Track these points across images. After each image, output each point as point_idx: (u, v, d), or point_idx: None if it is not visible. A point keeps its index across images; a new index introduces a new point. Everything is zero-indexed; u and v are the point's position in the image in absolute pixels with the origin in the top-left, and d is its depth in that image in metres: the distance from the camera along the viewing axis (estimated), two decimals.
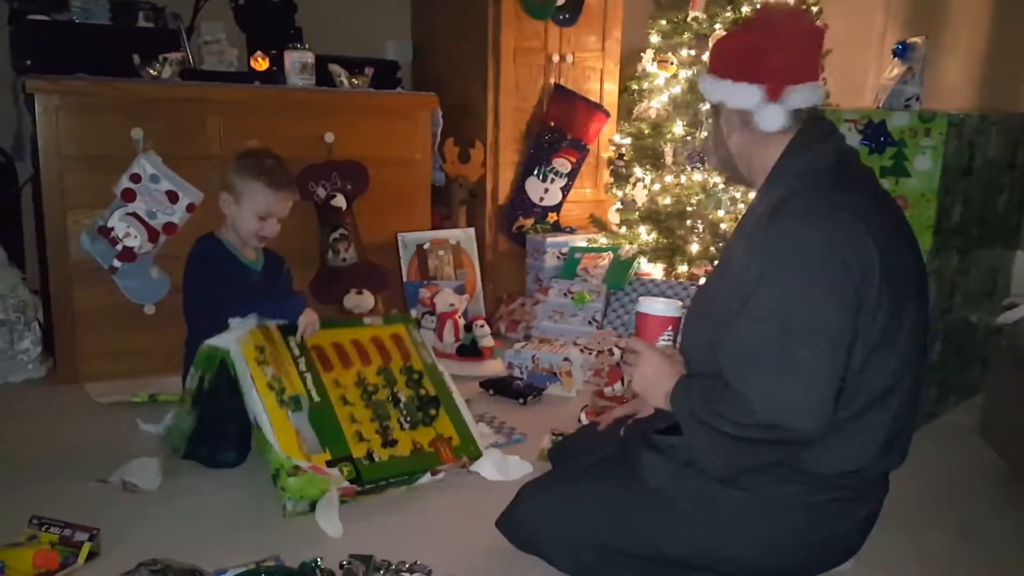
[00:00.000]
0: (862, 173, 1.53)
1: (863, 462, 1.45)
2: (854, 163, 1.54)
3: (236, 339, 1.99)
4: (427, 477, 2.08)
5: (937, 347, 2.60)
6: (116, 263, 2.74)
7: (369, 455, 2.02)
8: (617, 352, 2.96)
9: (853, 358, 1.37)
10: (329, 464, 1.94)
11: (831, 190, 1.42)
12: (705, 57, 3.38)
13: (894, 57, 2.73)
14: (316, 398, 2.04)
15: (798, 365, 1.32)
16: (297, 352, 2.11)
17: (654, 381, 1.52)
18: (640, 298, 1.69)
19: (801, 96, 1.49)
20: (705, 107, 3.39)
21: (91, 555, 1.68)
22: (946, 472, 2.30)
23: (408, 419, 2.14)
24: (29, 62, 2.76)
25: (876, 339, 1.38)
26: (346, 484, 1.94)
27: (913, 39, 2.72)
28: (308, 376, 2.07)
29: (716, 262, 3.32)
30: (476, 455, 2.18)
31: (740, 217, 3.27)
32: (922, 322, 1.48)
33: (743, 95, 1.50)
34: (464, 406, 2.27)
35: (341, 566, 1.62)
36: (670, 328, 1.58)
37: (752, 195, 3.35)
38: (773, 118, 1.49)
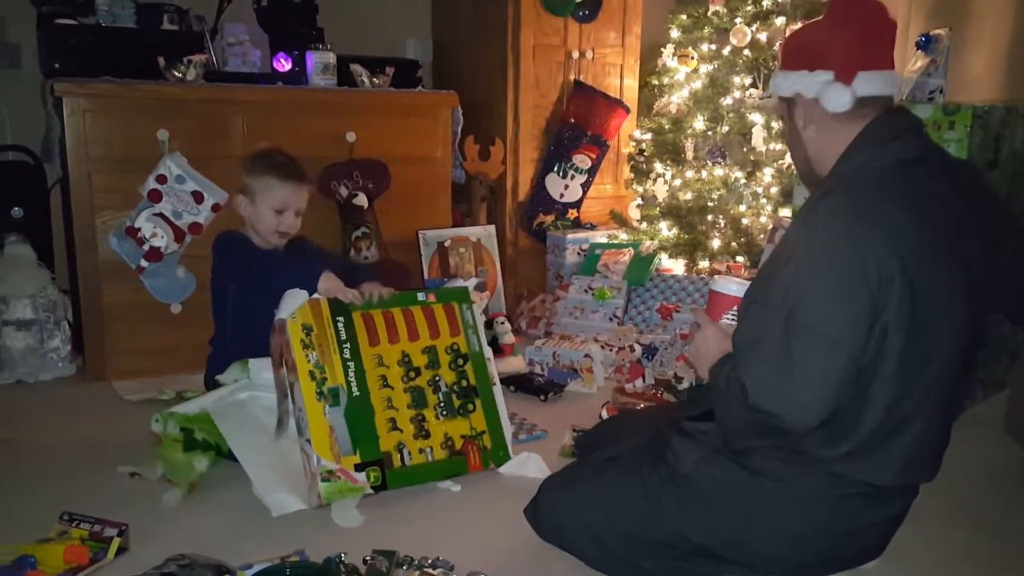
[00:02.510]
0: (925, 178, 1.42)
1: (883, 479, 1.45)
2: (920, 166, 1.43)
3: (289, 314, 1.99)
4: (448, 483, 2.08)
5: None
6: (143, 263, 2.78)
7: (399, 449, 2.02)
8: (638, 348, 2.96)
9: (876, 370, 1.36)
10: (357, 467, 1.95)
11: (865, 196, 1.38)
12: (726, 51, 3.37)
13: (917, 49, 2.70)
14: (356, 392, 2.00)
15: (794, 359, 1.33)
16: (344, 336, 2.04)
17: (704, 354, 1.55)
18: (716, 276, 1.71)
19: (871, 83, 1.46)
20: (727, 101, 3.39)
21: (120, 550, 1.71)
22: (972, 467, 2.27)
23: (445, 409, 2.12)
24: (57, 65, 2.81)
25: (897, 354, 1.36)
26: (370, 492, 1.96)
27: (936, 31, 2.69)
28: (351, 366, 2.02)
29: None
30: (504, 460, 2.17)
31: (760, 211, 3.28)
32: (961, 343, 1.44)
33: (815, 81, 1.48)
34: (501, 401, 2.22)
35: (365, 561, 1.64)
36: (735, 308, 1.60)
37: (775, 190, 3.33)
38: (840, 99, 1.46)
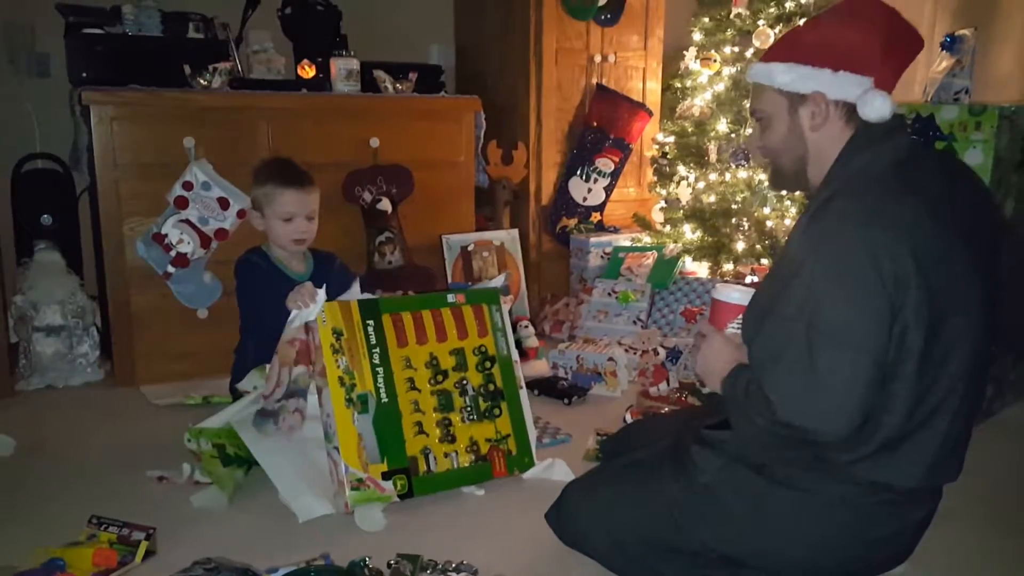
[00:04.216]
0: (925, 175, 1.43)
1: (911, 480, 1.44)
2: (917, 164, 1.44)
3: (317, 312, 2.00)
4: (473, 488, 2.08)
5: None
6: (170, 269, 2.81)
7: (425, 453, 2.02)
8: (662, 352, 2.95)
9: (897, 371, 1.35)
10: (384, 475, 1.95)
11: (872, 197, 1.37)
12: (749, 54, 3.35)
13: (942, 50, 2.67)
14: (384, 399, 2.00)
15: (819, 369, 1.32)
16: (374, 341, 2.03)
17: (714, 365, 1.54)
18: (717, 284, 1.70)
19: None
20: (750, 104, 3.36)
21: (148, 553, 1.73)
22: (1001, 470, 2.24)
23: (471, 412, 2.11)
24: (84, 74, 2.85)
25: (917, 353, 1.34)
26: (396, 500, 1.96)
27: (962, 31, 2.66)
28: (380, 371, 2.01)
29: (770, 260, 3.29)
30: (529, 466, 2.16)
31: (784, 214, 3.26)
32: (979, 338, 1.42)
33: (850, 84, 1.45)
34: (527, 406, 2.21)
35: (389, 565, 1.65)
36: (740, 316, 1.59)
37: (799, 192, 3.30)
38: (884, 108, 1.44)
